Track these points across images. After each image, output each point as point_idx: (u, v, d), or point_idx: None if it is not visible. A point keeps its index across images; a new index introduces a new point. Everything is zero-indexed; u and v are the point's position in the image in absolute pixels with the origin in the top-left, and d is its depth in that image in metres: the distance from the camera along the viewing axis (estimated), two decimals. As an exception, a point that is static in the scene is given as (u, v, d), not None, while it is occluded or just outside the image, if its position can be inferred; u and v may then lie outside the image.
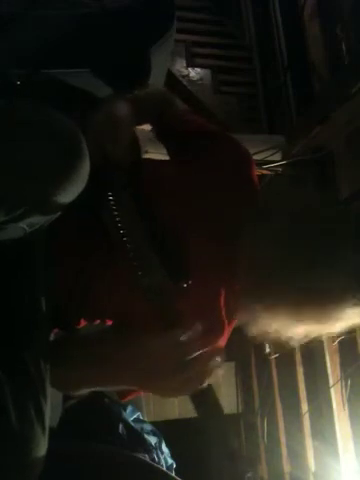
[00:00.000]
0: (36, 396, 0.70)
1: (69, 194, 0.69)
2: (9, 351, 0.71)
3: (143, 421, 2.15)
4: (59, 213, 0.72)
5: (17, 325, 0.75)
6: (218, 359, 0.74)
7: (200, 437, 2.63)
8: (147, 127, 1.07)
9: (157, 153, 1.16)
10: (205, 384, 0.74)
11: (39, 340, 0.76)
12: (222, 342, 0.92)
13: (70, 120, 0.69)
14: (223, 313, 0.90)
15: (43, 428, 0.69)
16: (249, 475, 2.62)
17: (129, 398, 0.92)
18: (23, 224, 0.70)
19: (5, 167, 0.65)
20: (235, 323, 0.94)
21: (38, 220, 0.71)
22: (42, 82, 0.95)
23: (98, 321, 0.93)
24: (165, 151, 1.11)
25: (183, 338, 0.73)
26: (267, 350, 2.73)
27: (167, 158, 1.10)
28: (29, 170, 0.65)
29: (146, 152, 1.46)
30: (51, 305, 0.80)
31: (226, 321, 0.91)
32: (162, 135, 1.09)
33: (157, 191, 0.91)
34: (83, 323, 0.93)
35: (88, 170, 0.70)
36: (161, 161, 1.07)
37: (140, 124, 1.03)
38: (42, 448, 0.69)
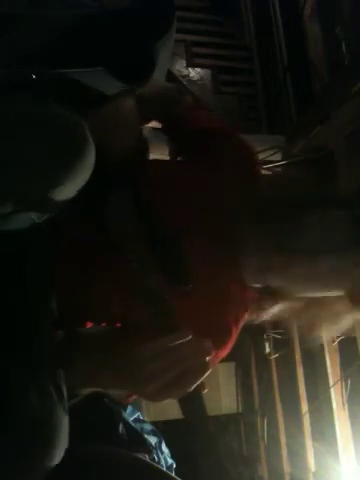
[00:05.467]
0: (55, 376, 0.71)
1: (75, 182, 0.69)
2: (15, 349, 0.72)
3: (143, 421, 2.15)
4: (66, 202, 0.72)
5: (18, 326, 0.75)
6: (208, 360, 0.74)
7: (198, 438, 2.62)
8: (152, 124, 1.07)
9: (157, 153, 1.15)
10: (194, 386, 0.74)
11: (42, 340, 0.76)
12: (229, 344, 0.91)
13: (75, 113, 0.70)
14: (230, 315, 0.90)
15: (64, 406, 0.70)
16: (242, 468, 2.62)
17: (131, 400, 0.92)
18: (31, 214, 0.70)
19: (11, 158, 0.65)
20: (243, 321, 0.93)
21: (45, 211, 0.72)
22: (50, 80, 0.95)
23: (104, 324, 0.92)
24: (165, 151, 1.11)
25: (176, 342, 0.73)
26: (267, 350, 2.73)
27: (167, 158, 1.10)
28: (36, 161, 0.66)
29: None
30: (53, 306, 0.80)
31: (233, 322, 0.90)
32: (169, 132, 1.09)
33: (159, 191, 0.91)
34: (89, 325, 0.92)
35: (93, 159, 0.70)
36: (162, 161, 1.07)
37: (147, 121, 1.02)
38: (64, 425, 0.69)
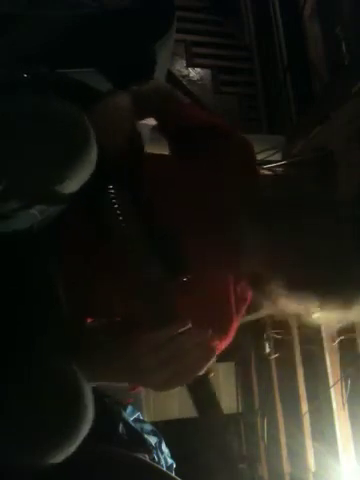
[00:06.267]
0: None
1: (79, 176, 0.70)
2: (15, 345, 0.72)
3: (143, 421, 2.15)
4: (69, 198, 0.73)
5: (20, 326, 0.76)
6: (211, 350, 0.75)
7: (200, 436, 2.63)
8: (149, 122, 1.06)
9: (157, 150, 1.15)
10: (198, 375, 0.75)
11: (45, 339, 0.77)
12: (230, 334, 0.92)
13: (77, 108, 0.71)
14: (232, 306, 0.91)
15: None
16: (242, 466, 2.62)
17: (136, 390, 0.94)
18: (34, 210, 0.71)
19: (16, 154, 0.66)
20: (243, 314, 0.94)
21: (49, 205, 0.72)
22: (48, 79, 0.95)
23: (104, 319, 0.93)
24: (165, 150, 1.11)
25: (176, 332, 0.74)
26: (267, 350, 2.73)
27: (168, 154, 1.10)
28: (40, 156, 0.66)
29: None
30: (54, 304, 0.81)
31: (235, 313, 0.91)
32: (164, 129, 1.09)
33: (159, 187, 0.91)
34: (89, 320, 0.93)
35: (96, 153, 0.71)
36: (162, 156, 1.07)
37: (142, 118, 1.03)
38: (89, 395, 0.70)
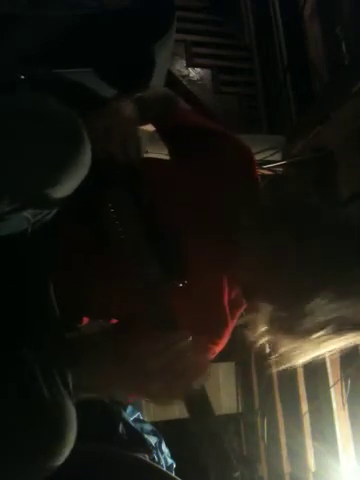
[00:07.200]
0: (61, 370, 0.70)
1: (72, 179, 0.69)
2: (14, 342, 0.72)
3: (143, 421, 2.15)
4: (62, 201, 0.72)
5: (17, 329, 0.75)
6: (205, 358, 0.75)
7: (198, 437, 2.62)
8: (148, 128, 1.07)
9: (157, 153, 1.15)
10: (196, 385, 0.75)
11: (42, 342, 0.76)
12: (225, 338, 0.93)
13: (69, 108, 0.70)
14: (226, 310, 0.91)
15: (70, 396, 0.69)
16: (237, 475, 2.61)
17: (132, 400, 0.93)
18: (27, 214, 0.70)
19: (6, 155, 0.65)
20: (238, 319, 0.95)
21: (41, 208, 0.72)
22: (45, 80, 0.95)
23: (100, 320, 0.93)
24: (165, 151, 1.11)
25: (173, 341, 0.74)
26: (267, 350, 2.73)
27: (167, 158, 1.11)
28: (33, 158, 0.66)
29: (146, 152, 1.46)
30: (52, 307, 0.81)
31: (229, 318, 0.92)
32: (164, 134, 1.09)
33: (157, 190, 0.91)
34: (85, 321, 0.93)
35: (90, 156, 0.70)
36: (161, 160, 1.07)
37: (143, 123, 1.03)
38: (72, 416, 0.69)
